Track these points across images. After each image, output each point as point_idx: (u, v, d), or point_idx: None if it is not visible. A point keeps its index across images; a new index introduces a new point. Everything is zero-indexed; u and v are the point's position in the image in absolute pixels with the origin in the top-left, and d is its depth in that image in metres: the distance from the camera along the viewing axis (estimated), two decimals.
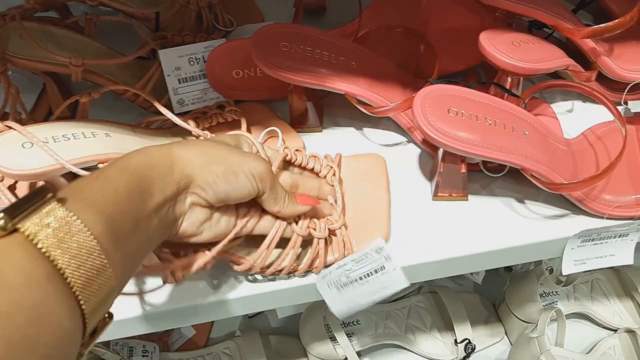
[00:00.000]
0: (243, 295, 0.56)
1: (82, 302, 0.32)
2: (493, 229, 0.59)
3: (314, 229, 0.53)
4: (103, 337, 0.54)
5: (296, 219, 0.53)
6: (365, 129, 0.69)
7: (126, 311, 0.55)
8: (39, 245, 0.31)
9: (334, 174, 0.57)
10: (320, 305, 0.90)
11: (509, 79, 0.60)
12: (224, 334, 0.98)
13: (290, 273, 0.54)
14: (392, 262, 0.53)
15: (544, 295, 0.91)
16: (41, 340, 0.29)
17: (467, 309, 0.94)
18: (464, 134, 0.53)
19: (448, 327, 0.94)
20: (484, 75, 0.71)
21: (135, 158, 0.41)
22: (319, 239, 0.53)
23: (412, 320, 0.95)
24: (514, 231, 0.59)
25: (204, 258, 0.48)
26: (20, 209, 0.32)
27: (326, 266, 0.55)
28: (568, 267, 0.60)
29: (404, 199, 0.61)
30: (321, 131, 0.70)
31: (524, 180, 0.60)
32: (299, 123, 0.69)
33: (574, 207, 0.60)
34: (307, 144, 0.67)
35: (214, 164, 0.44)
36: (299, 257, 0.54)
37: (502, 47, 0.57)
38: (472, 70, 0.70)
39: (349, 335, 0.90)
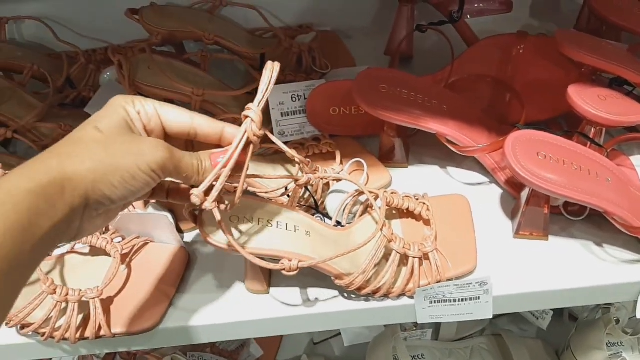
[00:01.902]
0: (330, 311, 0.61)
1: None
2: (571, 268, 0.62)
3: (409, 249, 0.58)
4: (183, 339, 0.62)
5: (394, 238, 0.58)
6: (449, 168, 0.75)
7: (219, 317, 0.60)
8: None
9: (428, 209, 0.62)
10: (389, 336, 0.93)
11: (593, 130, 0.64)
12: (290, 357, 1.03)
13: (386, 295, 0.59)
14: (488, 296, 0.57)
15: (609, 345, 0.92)
16: None
17: (530, 355, 0.96)
18: (551, 176, 0.57)
19: None
20: (565, 125, 0.75)
21: (18, 187, 0.36)
22: (413, 258, 0.58)
23: (476, 359, 0.97)
24: (591, 272, 0.62)
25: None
26: None
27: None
28: None
29: (486, 236, 0.65)
30: (407, 167, 0.75)
31: (603, 225, 0.63)
32: (386, 158, 0.75)
33: None
34: (393, 178, 0.73)
35: (110, 172, 0.40)
36: (394, 279, 0.59)
37: (589, 100, 0.62)
38: (554, 120, 0.75)
39: None
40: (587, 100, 0.62)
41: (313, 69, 0.85)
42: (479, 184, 0.73)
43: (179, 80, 0.73)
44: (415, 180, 0.74)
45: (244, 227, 0.56)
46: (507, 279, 0.61)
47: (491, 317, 0.61)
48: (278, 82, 0.79)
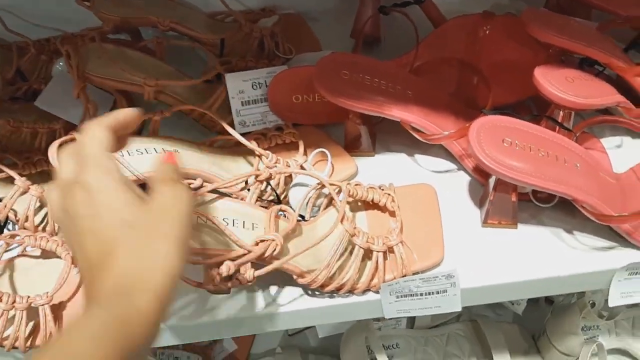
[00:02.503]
0: (294, 309, 0.58)
1: None
2: (541, 257, 0.61)
3: (372, 243, 0.56)
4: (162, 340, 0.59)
5: (356, 232, 0.56)
6: (417, 155, 0.72)
7: (180, 319, 0.58)
8: None
9: (393, 200, 0.60)
10: (362, 327, 0.91)
11: (561, 113, 0.62)
12: (264, 350, 1.01)
13: (351, 291, 0.57)
14: (455, 289, 0.55)
15: (585, 329, 0.91)
16: None
17: (506, 340, 0.95)
18: (517, 164, 0.55)
19: (487, 356, 0.95)
20: (534, 108, 0.73)
21: None
22: (377, 252, 0.56)
23: (451, 347, 0.96)
24: (562, 260, 0.60)
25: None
26: None
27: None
28: (615, 299, 0.61)
29: (453, 225, 0.63)
30: (373, 155, 0.73)
31: (573, 212, 0.61)
32: (352, 147, 0.72)
33: (622, 240, 0.61)
34: (359, 167, 0.70)
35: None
36: (359, 275, 0.56)
37: (556, 82, 0.59)
38: (522, 103, 0.73)
39: (388, 358, 0.91)
40: (554, 82, 0.60)
41: (276, 54, 0.81)
42: (447, 171, 0.70)
43: (131, 70, 0.69)
44: (382, 169, 0.71)
45: (194, 227, 0.53)
46: (475, 270, 0.60)
47: (460, 310, 0.59)
48: (238, 68, 0.77)
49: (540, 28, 0.64)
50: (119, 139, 0.44)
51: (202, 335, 0.60)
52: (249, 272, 0.51)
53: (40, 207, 0.65)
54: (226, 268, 0.49)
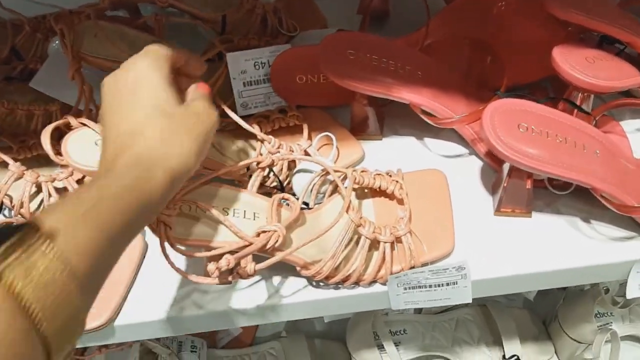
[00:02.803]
0: (298, 300, 0.56)
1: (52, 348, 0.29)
2: (556, 248, 0.58)
3: (380, 234, 0.54)
4: (159, 332, 0.57)
5: (363, 223, 0.53)
6: (426, 139, 0.69)
7: (179, 310, 0.56)
8: (17, 290, 0.28)
9: (401, 187, 0.57)
10: (368, 312, 0.89)
11: (580, 95, 0.59)
12: (269, 334, 0.99)
13: (357, 282, 0.54)
14: (466, 281, 0.53)
15: (598, 315, 0.89)
16: None
17: (516, 325, 0.92)
18: (534, 151, 0.52)
19: (496, 342, 0.93)
20: (550, 90, 0.69)
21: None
22: (385, 243, 0.53)
23: (460, 333, 0.94)
24: (578, 251, 0.57)
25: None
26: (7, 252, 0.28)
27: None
28: (633, 291, 0.58)
29: (464, 213, 0.60)
30: (381, 139, 0.70)
31: (590, 199, 0.58)
32: (359, 130, 0.69)
33: None
34: (366, 151, 0.67)
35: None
36: (365, 266, 0.54)
37: (576, 64, 0.56)
38: (538, 84, 0.69)
39: (395, 344, 0.89)
40: (573, 63, 0.56)
41: (279, 31, 0.78)
42: (458, 156, 0.67)
43: (128, 50, 0.66)
44: (390, 152, 0.68)
45: (194, 217, 0.51)
46: (487, 260, 0.57)
47: (470, 301, 0.57)
48: (240, 47, 0.73)
49: (559, 5, 0.60)
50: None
51: (201, 327, 0.58)
52: (249, 265, 0.49)
53: (37, 193, 0.63)
54: (225, 262, 0.47)
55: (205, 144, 0.43)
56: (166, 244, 0.49)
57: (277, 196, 0.55)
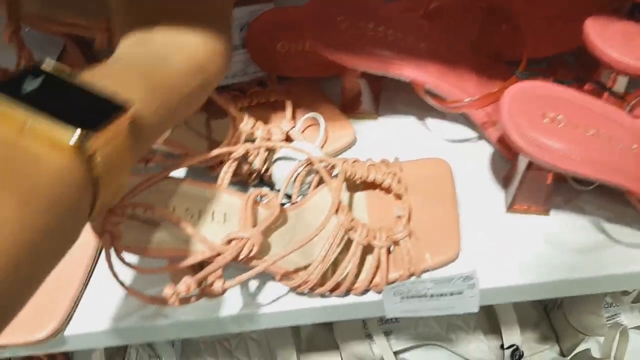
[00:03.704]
0: (278, 310, 0.49)
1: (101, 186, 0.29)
2: (577, 252, 0.50)
3: (374, 239, 0.45)
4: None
5: (354, 226, 0.45)
6: (428, 120, 0.60)
7: (141, 318, 0.48)
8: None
9: (399, 181, 0.49)
10: None
11: (613, 77, 0.49)
12: None
13: (348, 291, 0.47)
14: (473, 290, 0.45)
15: (606, 305, 0.82)
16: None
17: (515, 310, 0.86)
18: (560, 146, 0.43)
19: (494, 329, 0.86)
20: (573, 65, 0.59)
21: None
22: (380, 248, 0.45)
23: (455, 319, 0.87)
24: (601, 257, 0.50)
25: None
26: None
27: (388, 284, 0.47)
28: None
29: (471, 209, 0.52)
30: (376, 118, 0.61)
31: (616, 196, 0.50)
32: (351, 108, 0.60)
33: None
34: (358, 132, 0.58)
35: None
36: (357, 272, 0.46)
37: (613, 41, 0.46)
38: (558, 58, 0.59)
39: (386, 333, 0.83)
40: (610, 41, 0.46)
41: None
42: (464, 140, 0.58)
43: (76, 8, 0.55)
44: (386, 135, 0.59)
45: (150, 221, 0.42)
46: (496, 266, 0.50)
47: (476, 311, 0.49)
48: None
49: None
50: None
51: (168, 335, 0.51)
52: (217, 283, 0.40)
53: None
54: (184, 287, 0.39)
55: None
56: (112, 255, 0.40)
57: (252, 193, 0.46)
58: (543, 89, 0.46)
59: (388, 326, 0.84)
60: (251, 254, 0.42)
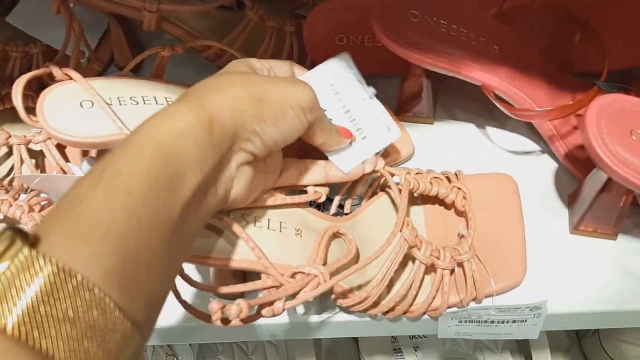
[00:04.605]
0: (324, 320, 0.46)
1: None
2: None
3: (438, 258, 0.42)
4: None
5: (418, 243, 0.41)
6: (489, 128, 0.56)
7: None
8: (14, 333, 0.20)
9: (465, 197, 0.45)
10: None
11: None
12: None
13: (405, 314, 0.43)
14: (539, 319, 0.42)
15: None
16: None
17: (547, 334, 0.83)
18: None
19: (521, 351, 0.83)
20: None
21: (157, 128, 0.29)
22: (443, 269, 0.42)
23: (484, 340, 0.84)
24: None
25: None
26: None
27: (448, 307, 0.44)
28: None
29: (533, 227, 0.49)
30: (432, 123, 0.57)
31: None
32: (406, 109, 0.56)
33: None
34: (414, 137, 0.55)
35: (257, 103, 0.33)
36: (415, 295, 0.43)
37: None
38: (631, 71, 0.56)
39: (414, 348, 0.79)
40: None
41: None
42: (527, 153, 0.55)
43: None
44: (443, 142, 0.56)
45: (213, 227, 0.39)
46: (560, 291, 0.46)
47: (536, 338, 0.46)
48: None
49: None
50: None
51: (200, 338, 0.48)
52: (278, 303, 0.37)
53: (9, 155, 0.51)
54: (236, 310, 0.35)
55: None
56: None
57: (330, 229, 0.42)
58: (629, 103, 0.42)
59: (416, 341, 0.81)
60: (314, 293, 0.38)
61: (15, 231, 0.22)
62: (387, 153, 0.51)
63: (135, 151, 0.28)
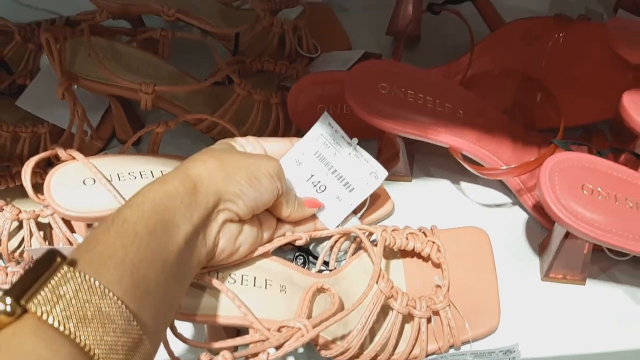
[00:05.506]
0: None
1: None
2: (613, 323, 0.50)
3: (414, 307, 0.45)
4: None
5: (394, 294, 0.45)
6: (462, 183, 0.61)
7: None
8: (55, 324, 0.26)
9: (439, 250, 0.49)
10: None
11: None
12: None
13: None
14: None
15: None
16: None
17: None
18: (600, 219, 0.44)
19: None
20: (607, 132, 0.60)
21: (151, 191, 0.37)
22: (420, 318, 0.45)
23: None
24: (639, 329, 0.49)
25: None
26: (26, 285, 0.27)
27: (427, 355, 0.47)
28: None
29: (507, 277, 0.52)
30: (410, 181, 0.61)
31: None
32: (386, 170, 0.60)
33: None
34: (393, 195, 0.59)
35: (235, 172, 0.41)
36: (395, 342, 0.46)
37: None
38: (593, 126, 0.60)
39: None
40: None
41: (299, 52, 0.69)
42: (498, 205, 0.59)
43: (124, 72, 0.58)
44: (421, 199, 0.60)
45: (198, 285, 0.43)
46: (533, 336, 0.49)
47: None
48: (252, 69, 0.65)
49: (630, 47, 0.52)
50: None
51: None
52: (261, 355, 0.40)
53: (19, 228, 0.55)
54: None
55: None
56: None
57: (314, 285, 0.45)
58: (582, 160, 0.46)
59: None
60: (297, 343, 0.42)
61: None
62: (369, 212, 0.55)
63: (136, 207, 0.35)
